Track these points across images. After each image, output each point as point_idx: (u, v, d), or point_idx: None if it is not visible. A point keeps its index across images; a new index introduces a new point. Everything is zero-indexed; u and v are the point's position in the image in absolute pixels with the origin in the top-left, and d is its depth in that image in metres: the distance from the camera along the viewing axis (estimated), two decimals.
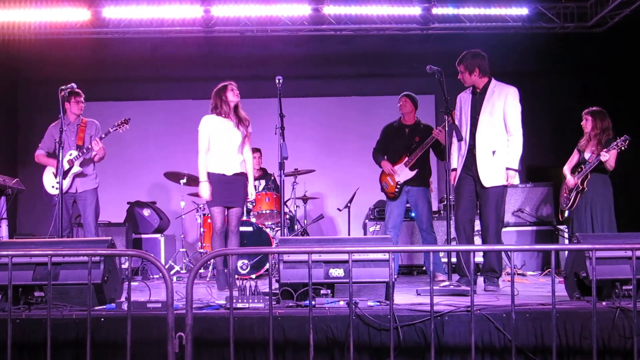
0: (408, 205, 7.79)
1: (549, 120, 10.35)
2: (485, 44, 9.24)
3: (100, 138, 7.14)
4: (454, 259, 7.49)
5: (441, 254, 7.68)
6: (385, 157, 7.80)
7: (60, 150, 6.46)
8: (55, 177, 7.05)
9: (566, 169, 7.58)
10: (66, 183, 6.98)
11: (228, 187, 6.57)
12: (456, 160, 6.29)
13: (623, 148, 6.98)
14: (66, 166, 7.00)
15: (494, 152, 6.07)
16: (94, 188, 7.27)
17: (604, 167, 7.13)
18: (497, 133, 6.08)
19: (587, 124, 7.37)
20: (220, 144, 6.58)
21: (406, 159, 7.55)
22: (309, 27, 9.98)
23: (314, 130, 10.79)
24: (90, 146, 7.12)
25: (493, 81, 6.21)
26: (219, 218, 6.58)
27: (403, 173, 7.57)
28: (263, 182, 8.91)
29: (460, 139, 6.06)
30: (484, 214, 6.12)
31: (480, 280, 6.26)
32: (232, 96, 6.59)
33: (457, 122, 6.24)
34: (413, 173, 7.57)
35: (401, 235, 8.26)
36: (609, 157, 7.04)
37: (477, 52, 6.22)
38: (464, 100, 6.28)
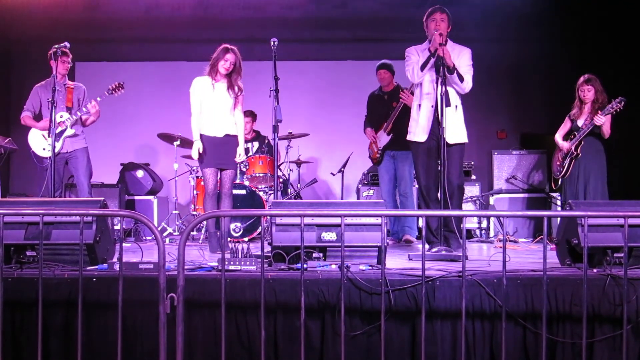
0: None
1: (543, 86, 10.31)
2: (482, 8, 9.21)
3: (95, 101, 7.11)
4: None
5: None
6: (371, 126, 8.27)
7: (53, 110, 6.41)
8: (47, 138, 7.02)
9: (558, 137, 7.57)
10: (58, 145, 6.95)
11: (220, 149, 6.58)
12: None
13: (619, 110, 6.97)
14: (58, 129, 6.96)
15: (456, 107, 6.09)
16: (84, 147, 7.24)
17: (598, 133, 7.13)
18: (459, 87, 6.09)
19: (589, 94, 7.29)
20: (211, 106, 6.57)
21: (385, 124, 7.79)
22: None
23: (308, 93, 10.73)
24: (86, 108, 7.08)
25: (450, 42, 6.14)
26: (211, 180, 6.61)
27: (382, 138, 7.94)
28: (256, 144, 8.91)
29: (448, 105, 5.92)
30: (449, 173, 5.94)
31: (473, 245, 6.24)
32: (221, 66, 6.54)
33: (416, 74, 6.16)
34: (389, 138, 7.95)
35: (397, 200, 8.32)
36: (604, 121, 7.03)
37: None
38: (423, 57, 6.12)
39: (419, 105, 6.19)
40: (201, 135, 6.59)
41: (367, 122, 8.38)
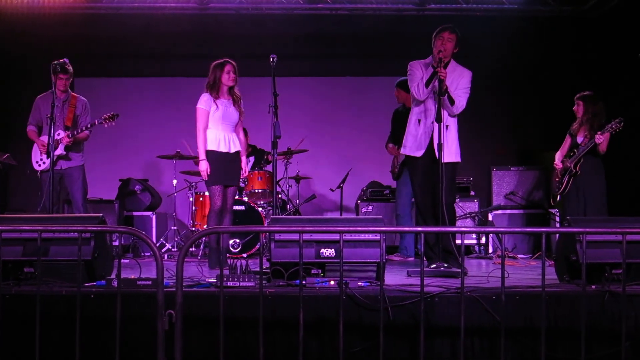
0: None
1: (541, 103, 10.32)
2: (481, 26, 9.23)
3: (86, 127, 7.10)
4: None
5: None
6: (393, 142, 8.20)
7: (52, 126, 6.42)
8: (41, 153, 7.04)
9: (558, 156, 7.59)
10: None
11: (228, 166, 6.59)
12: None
13: (618, 130, 6.98)
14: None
15: (447, 127, 6.05)
16: (79, 165, 7.22)
17: (596, 151, 7.13)
18: (449, 109, 6.07)
19: (578, 108, 7.41)
20: (219, 123, 6.56)
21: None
22: (304, 6, 9.90)
23: (307, 110, 10.73)
24: (70, 137, 7.08)
25: (453, 61, 6.18)
26: (220, 197, 6.56)
27: (401, 154, 7.80)
28: (252, 159, 8.91)
29: (439, 122, 5.91)
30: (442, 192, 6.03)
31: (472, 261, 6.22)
32: (227, 79, 6.56)
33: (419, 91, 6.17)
34: None
35: (413, 216, 8.35)
36: (603, 140, 7.04)
37: None
38: (426, 74, 6.12)
39: (418, 120, 6.19)
40: (210, 152, 6.55)
41: (390, 138, 8.34)
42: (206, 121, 6.56)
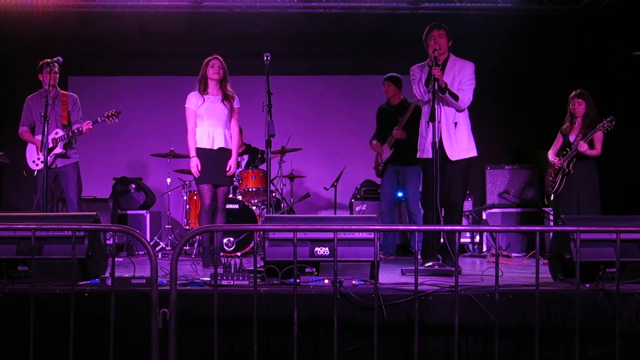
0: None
1: (535, 102, 10.34)
2: (475, 24, 9.24)
3: (94, 123, 7.08)
4: None
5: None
6: (378, 139, 8.31)
7: (46, 125, 6.40)
8: (38, 152, 7.01)
9: (551, 154, 7.59)
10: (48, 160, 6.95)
11: (215, 164, 6.56)
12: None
13: (610, 129, 6.99)
14: (50, 144, 6.94)
15: (456, 124, 6.06)
16: (74, 162, 7.20)
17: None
18: (455, 105, 6.06)
19: (579, 107, 7.33)
20: (203, 118, 6.59)
21: (389, 138, 7.82)
22: (298, 5, 9.87)
23: (302, 108, 10.74)
24: (81, 129, 7.03)
25: (452, 56, 6.19)
26: (208, 195, 6.58)
27: (385, 152, 7.90)
28: (246, 158, 8.92)
29: (433, 120, 5.89)
30: (450, 191, 6.07)
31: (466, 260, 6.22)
32: (212, 73, 6.58)
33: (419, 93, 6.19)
34: (390, 151, 7.98)
35: (396, 213, 8.36)
36: (586, 148, 7.06)
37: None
38: (424, 74, 6.13)
39: (427, 122, 6.14)
40: (197, 149, 6.58)
41: (375, 135, 8.38)
42: (194, 119, 6.61)
